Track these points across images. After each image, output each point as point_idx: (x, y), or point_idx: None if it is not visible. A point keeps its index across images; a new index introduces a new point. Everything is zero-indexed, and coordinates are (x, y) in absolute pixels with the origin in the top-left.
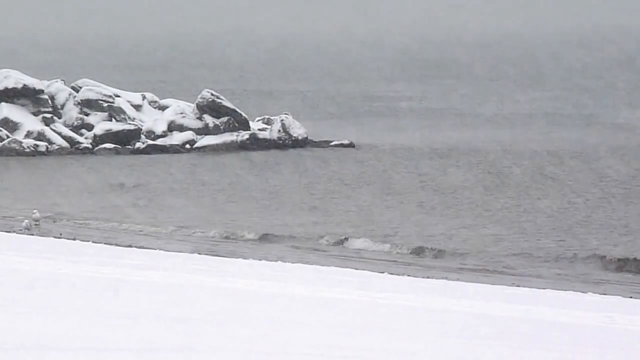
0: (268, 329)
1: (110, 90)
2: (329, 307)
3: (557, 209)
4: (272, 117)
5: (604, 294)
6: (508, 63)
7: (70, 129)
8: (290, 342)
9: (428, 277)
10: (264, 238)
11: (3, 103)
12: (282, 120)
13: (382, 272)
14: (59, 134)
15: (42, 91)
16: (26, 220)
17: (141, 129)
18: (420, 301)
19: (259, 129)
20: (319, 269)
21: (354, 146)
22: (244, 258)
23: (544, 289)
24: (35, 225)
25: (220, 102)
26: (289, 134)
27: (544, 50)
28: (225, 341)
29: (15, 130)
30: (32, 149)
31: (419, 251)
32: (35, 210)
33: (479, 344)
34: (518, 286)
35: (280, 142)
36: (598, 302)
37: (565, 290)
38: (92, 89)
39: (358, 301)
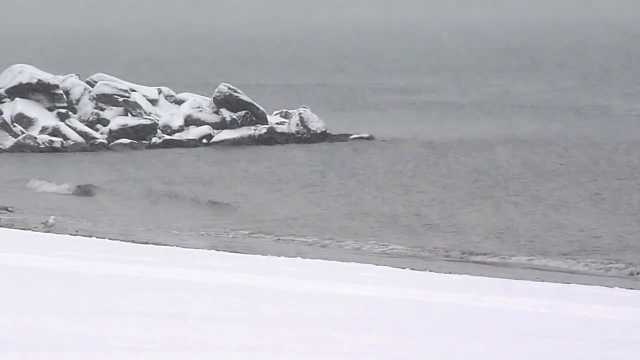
0: (289, 327)
1: (125, 85)
2: (348, 304)
3: (581, 202)
4: (290, 111)
5: (631, 289)
6: (515, 54)
7: (85, 124)
8: (311, 339)
9: (450, 273)
10: (282, 234)
11: (17, 98)
12: (300, 113)
13: (404, 268)
14: (74, 129)
15: (56, 86)
16: (52, 217)
17: (157, 124)
18: (442, 297)
19: (277, 123)
20: (339, 264)
21: (373, 139)
22: (262, 254)
23: (569, 283)
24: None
25: (238, 96)
26: (307, 128)
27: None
28: (247, 340)
29: (30, 126)
30: (47, 144)
31: (440, 247)
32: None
33: (502, 340)
34: (543, 281)
35: (299, 135)
36: (626, 297)
37: (591, 285)
38: (108, 83)
39: (379, 297)
